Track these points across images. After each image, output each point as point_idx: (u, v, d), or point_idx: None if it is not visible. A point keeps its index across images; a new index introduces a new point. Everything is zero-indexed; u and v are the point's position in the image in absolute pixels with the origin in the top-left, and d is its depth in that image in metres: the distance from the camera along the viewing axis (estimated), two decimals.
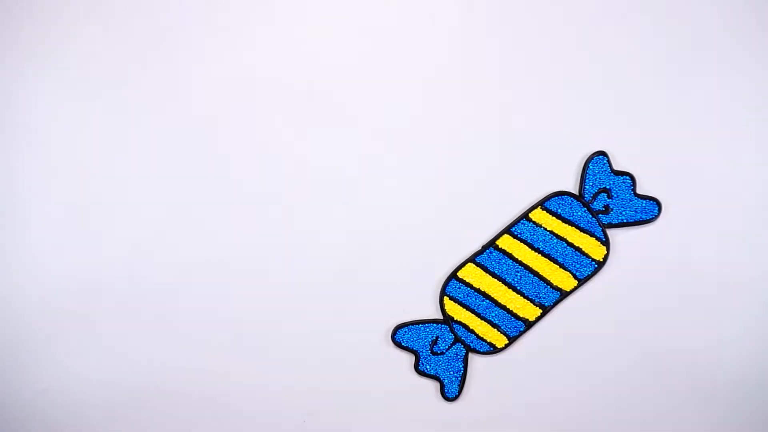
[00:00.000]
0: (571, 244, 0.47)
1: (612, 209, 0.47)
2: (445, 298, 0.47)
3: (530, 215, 0.47)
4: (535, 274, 0.47)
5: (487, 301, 0.47)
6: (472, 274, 0.47)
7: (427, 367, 0.47)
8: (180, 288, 0.48)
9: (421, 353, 0.47)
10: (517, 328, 0.47)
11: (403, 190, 0.49)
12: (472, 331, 0.47)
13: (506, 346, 0.47)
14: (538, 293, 0.47)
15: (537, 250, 0.47)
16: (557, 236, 0.47)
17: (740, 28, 0.49)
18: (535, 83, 0.49)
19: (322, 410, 0.47)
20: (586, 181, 0.47)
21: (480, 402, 0.47)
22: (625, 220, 0.47)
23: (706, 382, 0.46)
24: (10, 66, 0.51)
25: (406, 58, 0.50)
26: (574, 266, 0.47)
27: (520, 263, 0.47)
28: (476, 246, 0.48)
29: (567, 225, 0.47)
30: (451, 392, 0.46)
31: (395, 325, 0.47)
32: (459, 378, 0.46)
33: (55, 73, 0.51)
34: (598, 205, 0.47)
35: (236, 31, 0.51)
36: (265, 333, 0.48)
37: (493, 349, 0.47)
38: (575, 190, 0.48)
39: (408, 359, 0.47)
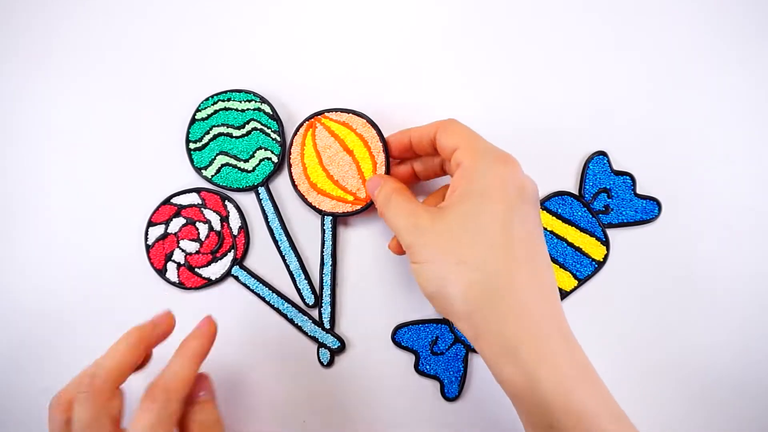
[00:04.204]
0: (571, 244, 0.47)
1: (612, 209, 0.47)
2: None
3: None
4: None
5: None
6: None
7: (427, 367, 0.47)
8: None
9: (421, 353, 0.47)
10: None
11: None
12: None
13: None
14: None
15: None
16: (557, 236, 0.47)
17: (739, 29, 0.49)
18: (534, 83, 0.49)
19: (322, 410, 0.47)
20: (586, 181, 0.47)
21: (480, 402, 0.47)
22: (625, 220, 0.47)
23: (706, 383, 0.46)
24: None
25: (403, 57, 0.50)
26: (574, 266, 0.47)
27: None
28: None
29: (567, 225, 0.47)
30: (451, 392, 0.46)
31: (395, 325, 0.47)
32: (459, 378, 0.46)
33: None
34: (598, 205, 0.47)
35: (240, 35, 0.51)
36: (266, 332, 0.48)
37: None
38: (575, 190, 0.48)
39: (408, 359, 0.47)
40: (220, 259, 0.47)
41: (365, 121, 0.46)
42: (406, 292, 0.48)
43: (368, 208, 0.46)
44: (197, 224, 0.47)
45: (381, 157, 0.45)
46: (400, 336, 0.47)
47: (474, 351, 0.47)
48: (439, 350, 0.47)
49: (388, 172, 0.45)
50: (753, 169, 0.48)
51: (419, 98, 0.49)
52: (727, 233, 0.47)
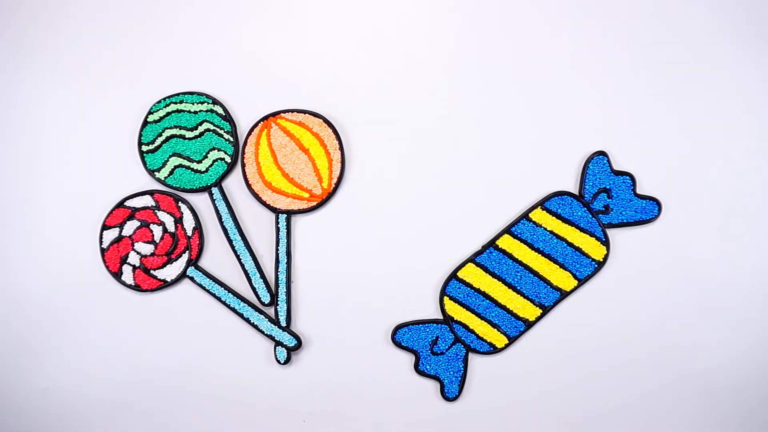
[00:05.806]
0: (571, 244, 0.47)
1: (612, 209, 0.47)
2: (445, 298, 0.47)
3: (530, 215, 0.47)
4: (535, 274, 0.47)
5: (487, 301, 0.47)
6: (472, 274, 0.47)
7: (427, 367, 0.47)
8: (182, 287, 0.48)
9: (421, 353, 0.47)
10: (517, 328, 0.47)
11: (403, 190, 0.49)
12: (472, 331, 0.47)
13: (506, 346, 0.47)
14: (538, 293, 0.47)
15: (537, 250, 0.47)
16: (557, 236, 0.47)
17: (739, 30, 0.49)
18: (535, 84, 0.49)
19: (322, 410, 0.47)
20: (586, 181, 0.47)
21: (480, 402, 0.47)
22: (625, 220, 0.47)
23: (705, 381, 0.46)
24: (15, 67, 0.51)
25: (407, 60, 0.50)
26: (574, 266, 0.47)
27: (520, 263, 0.47)
28: (476, 246, 0.48)
29: (567, 225, 0.47)
30: (451, 392, 0.46)
31: (395, 325, 0.47)
32: (459, 378, 0.46)
33: (60, 74, 0.51)
34: (598, 205, 0.47)
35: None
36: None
37: (493, 349, 0.47)
38: (575, 190, 0.48)
39: (408, 359, 0.47)
40: (175, 260, 0.47)
41: (321, 120, 0.47)
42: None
43: (324, 204, 0.48)
44: (151, 226, 0.48)
45: (337, 155, 0.47)
46: (400, 336, 0.47)
47: (475, 351, 0.47)
48: (439, 350, 0.47)
49: (343, 169, 0.47)
50: (752, 169, 0.48)
51: (418, 100, 0.49)
52: (726, 233, 0.47)
